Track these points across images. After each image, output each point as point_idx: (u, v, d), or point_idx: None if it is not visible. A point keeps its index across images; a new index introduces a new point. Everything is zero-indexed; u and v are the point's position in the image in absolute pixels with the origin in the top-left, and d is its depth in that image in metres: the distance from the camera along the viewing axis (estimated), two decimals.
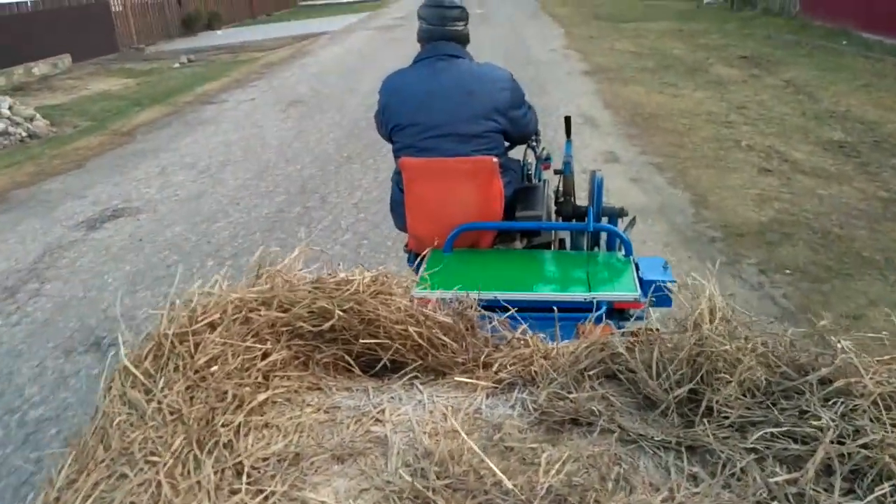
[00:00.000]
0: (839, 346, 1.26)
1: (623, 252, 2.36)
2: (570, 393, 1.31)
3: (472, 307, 1.56)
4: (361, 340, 1.45)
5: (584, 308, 2.00)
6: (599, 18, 19.14)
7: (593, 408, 1.28)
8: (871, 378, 1.19)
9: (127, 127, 9.36)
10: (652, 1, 24.78)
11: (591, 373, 1.37)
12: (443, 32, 2.55)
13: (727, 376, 1.25)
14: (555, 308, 1.73)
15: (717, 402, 1.23)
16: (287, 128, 8.60)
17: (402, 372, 1.46)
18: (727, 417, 1.21)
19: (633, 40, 14.59)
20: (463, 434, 1.21)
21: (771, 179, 5.81)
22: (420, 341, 1.45)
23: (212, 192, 6.36)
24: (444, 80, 2.48)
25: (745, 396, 1.24)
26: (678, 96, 9.12)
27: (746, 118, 7.88)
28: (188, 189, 6.50)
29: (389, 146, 2.66)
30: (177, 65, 15.60)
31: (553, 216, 2.89)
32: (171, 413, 1.17)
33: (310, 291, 1.45)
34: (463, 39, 2.60)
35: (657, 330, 1.47)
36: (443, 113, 2.45)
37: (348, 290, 1.46)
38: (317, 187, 6.33)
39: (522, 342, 1.50)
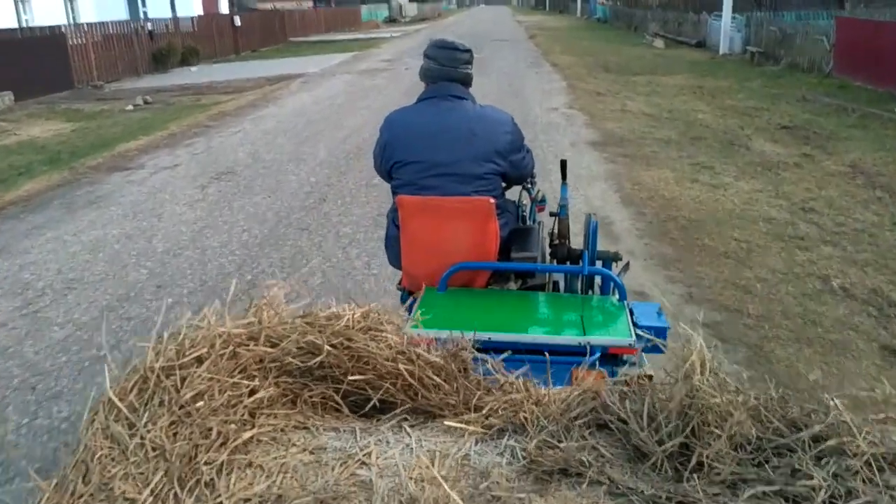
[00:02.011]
0: (832, 403, 1.26)
1: (617, 297, 2.34)
2: (560, 442, 1.31)
3: (466, 348, 1.54)
4: (350, 378, 1.44)
5: (577, 352, 1.99)
6: (607, 70, 17.09)
7: (583, 458, 1.27)
8: (864, 438, 1.19)
9: None
10: (662, 50, 22.95)
11: (581, 421, 1.37)
12: (450, 74, 2.57)
13: (717, 430, 1.24)
14: (546, 353, 1.73)
15: (707, 456, 1.22)
16: (192, 220, 6.34)
17: (392, 413, 1.45)
18: (718, 473, 1.20)
19: (647, 98, 12.53)
20: (445, 486, 1.19)
21: None
22: (411, 380, 1.45)
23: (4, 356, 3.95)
24: (448, 121, 2.51)
25: (736, 451, 1.24)
26: (719, 187, 6.90)
27: (822, 229, 5.64)
28: None
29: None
30: (130, 107, 14.06)
31: (548, 258, 2.90)
32: (154, 449, 1.16)
33: (299, 326, 1.44)
34: (468, 81, 2.64)
35: (650, 378, 1.51)
36: (446, 152, 2.47)
37: (339, 324, 1.45)
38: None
39: (514, 386, 1.49)
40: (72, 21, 21.86)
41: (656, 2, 35.41)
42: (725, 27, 20.09)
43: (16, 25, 20.06)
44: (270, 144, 9.34)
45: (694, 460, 1.23)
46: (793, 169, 7.58)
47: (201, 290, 4.73)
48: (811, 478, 1.14)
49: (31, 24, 20.20)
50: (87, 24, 19.48)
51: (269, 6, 52.86)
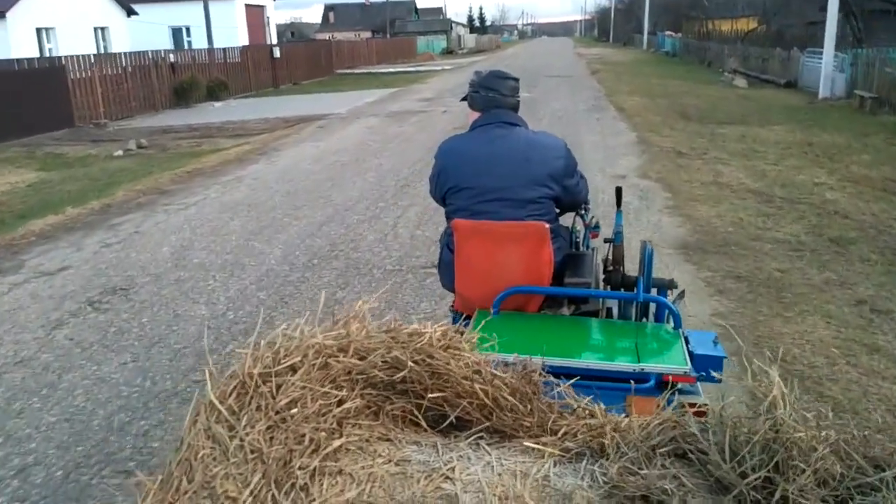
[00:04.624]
0: None
1: (672, 324, 2.32)
2: (641, 469, 1.30)
3: (536, 371, 1.56)
4: (430, 395, 1.47)
5: (632, 378, 1.97)
6: (686, 116, 13.96)
7: (665, 486, 1.26)
8: None
9: None
10: (745, 90, 19.74)
11: (662, 450, 1.35)
12: (502, 101, 2.62)
13: (802, 465, 1.24)
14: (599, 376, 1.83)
15: (791, 492, 1.21)
16: None
17: (469, 431, 1.47)
18: None
19: (745, 161, 9.46)
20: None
21: None
22: (486, 400, 1.47)
23: None
24: (501, 147, 2.55)
25: (820, 487, 1.23)
26: None
27: None
28: None
29: None
30: (119, 152, 12.43)
31: (601, 284, 2.88)
32: (252, 451, 1.19)
33: (385, 340, 1.49)
34: (517, 108, 2.69)
35: (705, 408, 1.62)
36: (499, 178, 2.50)
37: (421, 341, 1.49)
38: None
39: (588, 411, 1.50)
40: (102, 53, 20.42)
41: (740, 34, 32.15)
42: (827, 67, 16.87)
43: (38, 55, 18.44)
44: (216, 232, 6.69)
45: (778, 494, 1.23)
46: None
47: None
48: None
49: (54, 55, 18.69)
50: (94, 55, 17.52)
51: (326, 37, 52.34)
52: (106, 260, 5.97)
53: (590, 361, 2.07)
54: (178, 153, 12.10)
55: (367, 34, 61.76)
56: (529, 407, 1.49)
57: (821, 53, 17.50)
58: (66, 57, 16.72)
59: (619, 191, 3.21)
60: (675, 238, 6.11)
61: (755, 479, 1.23)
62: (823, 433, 1.28)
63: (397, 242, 6.10)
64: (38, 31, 20.89)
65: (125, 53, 19.05)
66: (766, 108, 15.41)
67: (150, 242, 6.42)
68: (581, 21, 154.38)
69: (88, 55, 16.86)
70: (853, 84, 16.29)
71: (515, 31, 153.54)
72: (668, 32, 46.33)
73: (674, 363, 2.05)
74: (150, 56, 18.81)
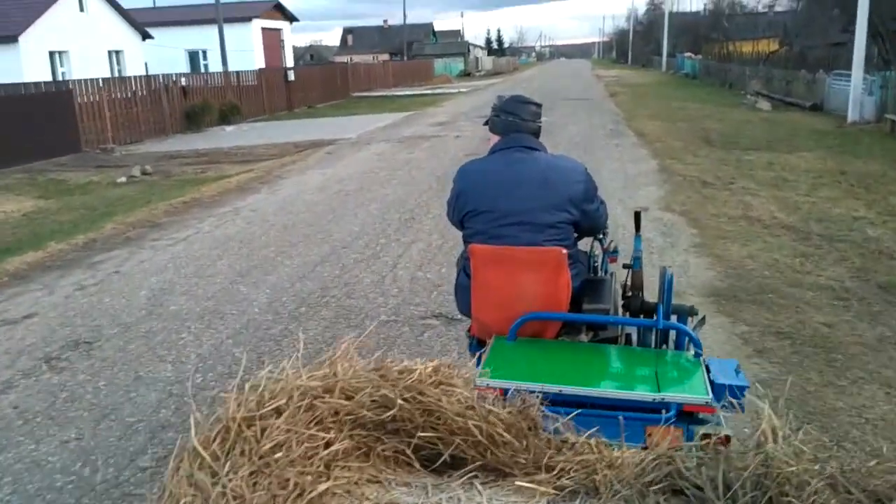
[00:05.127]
0: None
1: (693, 352, 2.27)
2: None
3: (534, 405, 1.53)
4: (421, 434, 1.44)
5: (651, 408, 1.95)
6: (709, 142, 13.28)
7: None
8: None
9: None
10: (770, 113, 19.09)
11: (656, 487, 1.33)
12: (522, 126, 2.61)
13: (795, 500, 1.21)
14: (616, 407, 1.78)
15: None
16: None
17: (463, 470, 1.44)
18: None
19: (776, 192, 8.80)
20: None
21: None
22: (480, 437, 1.44)
23: None
24: (521, 170, 2.53)
25: None
26: None
27: None
28: None
29: None
30: (122, 179, 12.03)
31: (620, 310, 2.82)
32: (235, 498, 1.17)
33: (373, 379, 1.46)
34: (538, 133, 2.67)
35: (727, 439, 1.55)
36: (519, 201, 2.48)
37: (411, 378, 1.46)
38: None
39: (585, 446, 1.47)
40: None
41: (762, 56, 31.51)
42: (855, 90, 16.18)
43: (50, 79, 18.64)
44: (201, 273, 6.13)
45: None
46: None
47: None
48: None
49: (67, 78, 18.55)
50: (103, 79, 17.27)
51: (345, 60, 52.40)
52: (77, 306, 5.41)
53: (608, 390, 2.02)
54: (181, 180, 11.70)
55: (385, 56, 61.90)
56: (525, 443, 1.47)
57: (847, 75, 16.84)
58: (73, 81, 16.49)
59: (637, 215, 3.16)
60: (705, 283, 5.47)
61: None
62: (817, 466, 1.25)
63: (396, 287, 5.53)
64: (52, 54, 20.86)
65: (135, 77, 18.86)
66: (792, 132, 14.72)
67: (128, 285, 5.88)
68: (599, 43, 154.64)
69: (97, 79, 16.62)
70: (883, 108, 15.60)
71: (533, 53, 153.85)
72: (687, 54, 45.79)
73: (694, 392, 1.99)
74: (161, 80, 18.56)
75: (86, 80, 15.99)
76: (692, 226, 7.21)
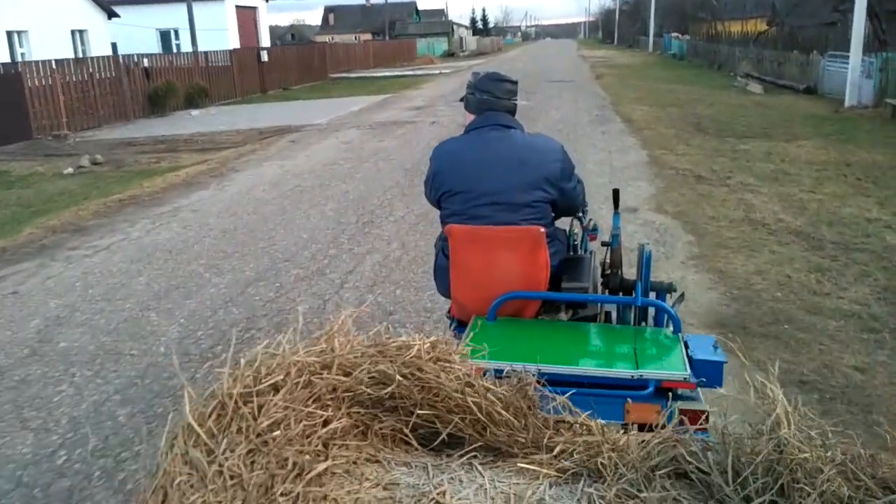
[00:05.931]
0: None
1: (671, 329, 2.29)
2: (640, 492, 1.25)
3: (531, 384, 1.51)
4: (419, 411, 1.41)
5: (630, 385, 1.95)
6: (701, 129, 12.43)
7: None
8: None
9: None
10: (762, 96, 18.26)
11: (662, 471, 1.30)
12: (497, 104, 2.57)
13: (808, 487, 1.18)
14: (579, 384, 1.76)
15: None
16: None
17: (463, 451, 1.41)
18: None
19: (777, 188, 7.98)
20: None
21: None
22: (479, 415, 1.42)
23: None
24: (497, 149, 2.50)
25: None
26: None
27: None
28: None
29: None
30: (69, 170, 11.18)
31: (599, 288, 2.83)
32: (232, 477, 1.14)
33: (370, 355, 1.43)
34: (514, 111, 2.64)
35: (701, 416, 1.62)
36: (495, 181, 2.46)
37: (409, 354, 1.43)
38: None
39: (585, 427, 1.45)
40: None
41: (751, 36, 30.61)
42: (853, 73, 15.37)
43: (9, 60, 17.31)
44: (110, 295, 5.20)
45: None
46: None
47: None
48: None
49: (27, 60, 17.34)
50: (55, 60, 16.12)
51: (326, 39, 51.34)
52: None
53: (587, 368, 2.03)
54: (130, 171, 10.86)
55: (368, 36, 60.63)
56: (524, 422, 1.45)
57: (843, 57, 16.07)
58: (21, 63, 15.36)
59: (616, 193, 3.12)
60: (707, 308, 4.61)
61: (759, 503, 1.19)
62: (829, 453, 1.23)
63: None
64: (10, 34, 19.56)
65: (92, 58, 17.68)
66: (788, 118, 13.90)
67: (21, 311, 4.92)
68: (585, 23, 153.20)
69: (49, 60, 15.48)
70: (883, 92, 14.83)
71: (519, 33, 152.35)
72: (674, 34, 44.93)
73: (673, 369, 2.00)
74: (122, 61, 17.44)
75: (37, 62, 14.93)
76: (688, 231, 6.38)
